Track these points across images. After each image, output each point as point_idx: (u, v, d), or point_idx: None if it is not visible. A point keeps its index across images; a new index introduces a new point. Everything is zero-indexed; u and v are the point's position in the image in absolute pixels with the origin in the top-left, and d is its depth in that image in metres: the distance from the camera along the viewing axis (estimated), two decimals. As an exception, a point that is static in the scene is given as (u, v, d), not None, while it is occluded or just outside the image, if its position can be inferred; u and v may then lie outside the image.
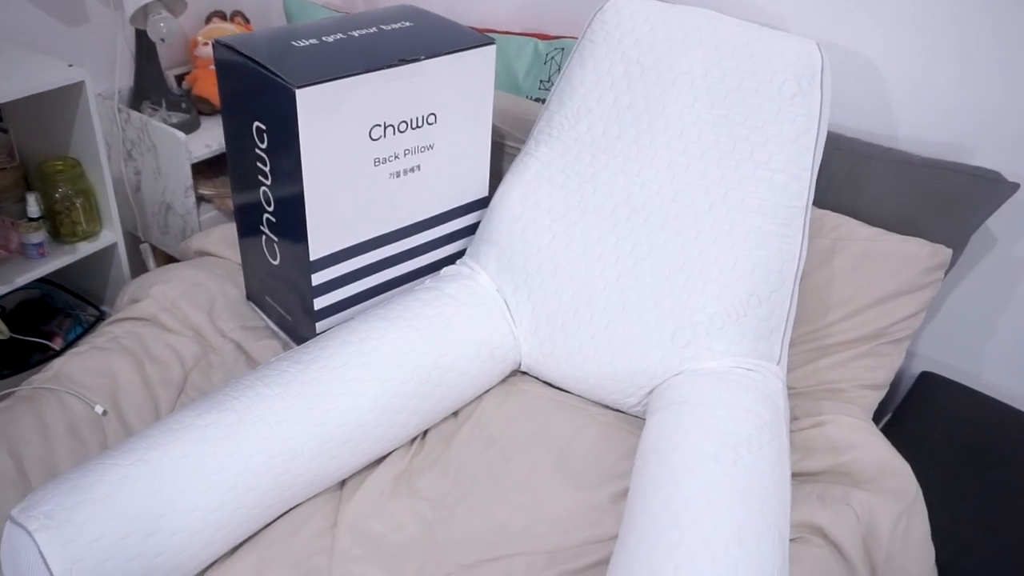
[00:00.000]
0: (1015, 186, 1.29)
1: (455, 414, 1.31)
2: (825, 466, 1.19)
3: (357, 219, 1.26)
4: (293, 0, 1.83)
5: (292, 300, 1.33)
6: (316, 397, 1.14)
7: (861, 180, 1.37)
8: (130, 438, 1.06)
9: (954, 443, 1.37)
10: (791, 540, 1.13)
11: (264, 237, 1.32)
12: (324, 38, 1.22)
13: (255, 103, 1.19)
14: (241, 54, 1.17)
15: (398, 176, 1.28)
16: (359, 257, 1.30)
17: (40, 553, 0.91)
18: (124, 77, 1.81)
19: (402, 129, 1.24)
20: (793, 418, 1.28)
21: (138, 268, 1.87)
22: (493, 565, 1.08)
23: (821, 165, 1.40)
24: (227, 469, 1.04)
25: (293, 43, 1.20)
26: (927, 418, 1.43)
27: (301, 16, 1.81)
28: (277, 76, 1.11)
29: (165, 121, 1.75)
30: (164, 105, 1.79)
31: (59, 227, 1.54)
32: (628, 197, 1.29)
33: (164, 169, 1.72)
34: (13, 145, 1.59)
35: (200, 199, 1.77)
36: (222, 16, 1.93)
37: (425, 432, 1.28)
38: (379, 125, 1.21)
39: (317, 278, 1.26)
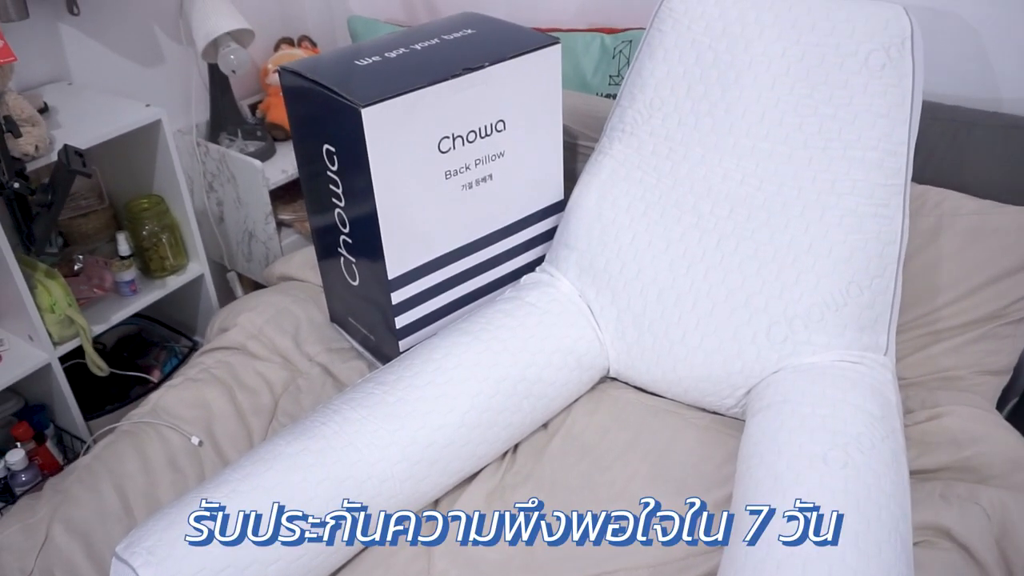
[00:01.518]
0: None
1: (545, 426, 1.28)
2: (946, 462, 1.11)
3: (432, 234, 1.24)
4: (357, 19, 1.83)
5: (374, 320, 1.32)
6: (403, 417, 1.12)
7: (965, 150, 1.28)
8: (223, 470, 1.06)
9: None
10: (915, 544, 1.05)
11: (342, 259, 1.32)
12: (387, 54, 1.21)
13: (324, 126, 1.18)
14: (306, 78, 1.16)
15: (470, 187, 1.25)
16: (437, 272, 1.28)
17: (144, 588, 0.93)
18: (200, 111, 1.85)
19: (471, 139, 1.22)
20: (907, 411, 1.19)
21: (226, 296, 1.91)
22: (595, 582, 1.04)
23: (919, 138, 1.30)
24: (319, 496, 1.03)
25: (356, 62, 1.19)
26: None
27: (365, 34, 1.82)
28: (342, 97, 1.10)
29: (242, 151, 1.78)
30: (240, 135, 1.82)
31: (149, 263, 1.58)
32: (710, 190, 1.24)
33: (244, 198, 1.75)
34: (102, 187, 1.65)
35: (280, 224, 1.79)
36: (290, 42, 1.95)
37: (516, 446, 1.25)
38: (447, 137, 1.19)
39: (397, 296, 1.25)
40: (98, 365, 1.44)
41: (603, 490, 1.15)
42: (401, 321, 1.28)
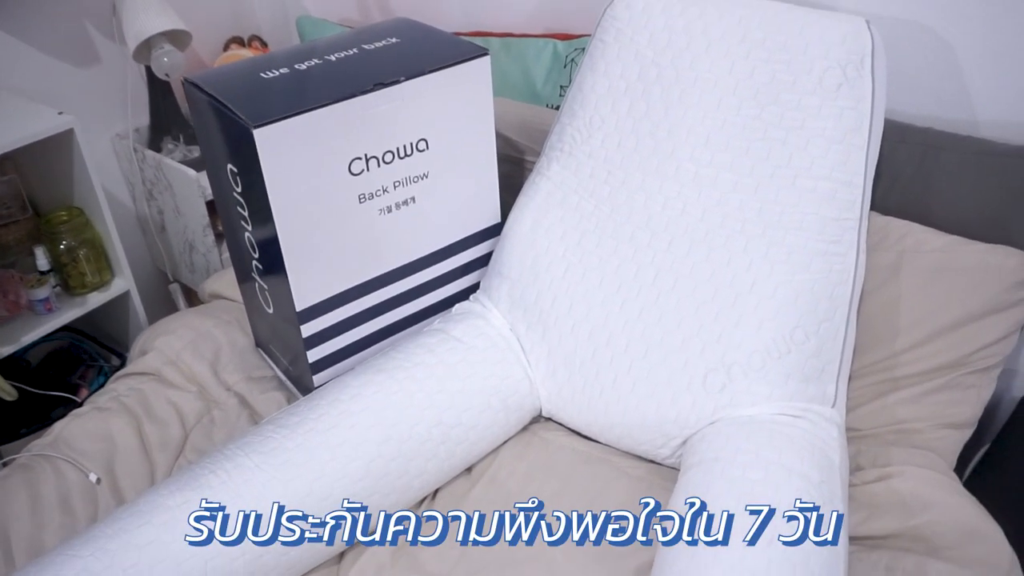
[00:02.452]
0: (1126, 176, 1.06)
1: (469, 470, 1.18)
2: (894, 529, 1.00)
3: (346, 262, 1.14)
4: (306, 19, 1.73)
5: (291, 350, 1.22)
6: (300, 466, 1.03)
7: (932, 177, 1.16)
8: (96, 525, 0.97)
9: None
10: (853, 623, 0.95)
11: (257, 284, 1.23)
12: (297, 66, 1.11)
13: (226, 144, 1.09)
14: (205, 92, 1.07)
15: (390, 211, 1.15)
16: (354, 302, 1.18)
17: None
18: (142, 115, 1.75)
19: (388, 160, 1.12)
20: (856, 468, 1.09)
21: (168, 309, 1.82)
22: (497, 658, 0.95)
23: (884, 162, 1.19)
24: (198, 555, 0.94)
25: (263, 75, 1.09)
26: (1031, 452, 1.21)
27: (314, 35, 1.72)
28: (236, 115, 1.00)
29: (185, 156, 1.69)
30: (183, 140, 1.73)
31: (68, 279, 1.49)
32: (649, 218, 1.13)
33: (182, 207, 1.66)
34: (24, 197, 1.55)
35: (220, 236, 1.70)
36: (240, 42, 1.86)
37: (435, 492, 1.16)
38: (359, 158, 1.09)
39: (307, 329, 1.15)
40: (4, 390, 1.36)
41: (522, 549, 1.05)
42: (314, 355, 1.18)
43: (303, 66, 1.11)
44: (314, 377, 1.20)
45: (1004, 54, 1.16)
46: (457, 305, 1.28)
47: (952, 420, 1.10)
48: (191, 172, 1.59)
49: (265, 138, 0.99)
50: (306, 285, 1.12)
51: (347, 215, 1.11)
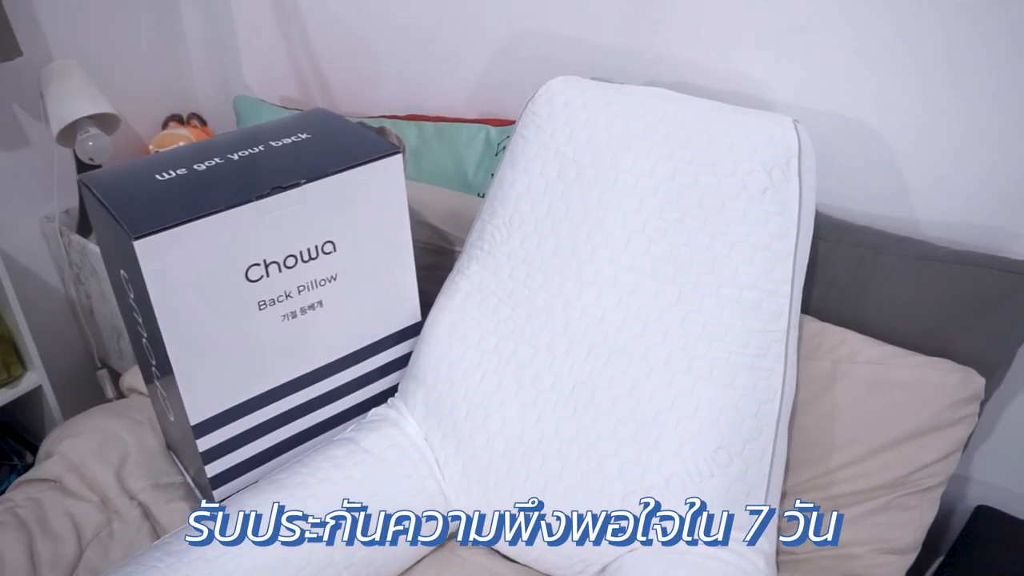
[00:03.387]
0: (1067, 286, 1.00)
1: (378, 594, 1.09)
2: (826, 675, 0.92)
3: (247, 371, 1.07)
4: (243, 100, 1.69)
5: (193, 462, 1.15)
6: (182, 602, 0.95)
7: (870, 281, 1.10)
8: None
9: (1020, 607, 1.07)
10: None
11: (158, 390, 1.15)
12: (196, 166, 1.05)
13: (116, 249, 1.02)
14: (93, 193, 1.01)
15: (294, 316, 1.08)
16: (259, 411, 1.11)
17: None
18: (71, 199, 1.70)
19: (290, 264, 1.05)
20: (789, 600, 1.00)
21: (95, 399, 1.74)
22: None
23: (821, 263, 1.13)
24: None
25: (157, 176, 1.03)
26: (984, 567, 1.12)
27: (249, 116, 1.67)
28: (119, 223, 0.94)
29: (115, 239, 1.63)
30: (115, 222, 1.67)
31: (-25, 374, 1.42)
32: (567, 326, 1.06)
33: (108, 293, 1.60)
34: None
35: (147, 324, 1.63)
36: (179, 120, 1.81)
37: (341, 618, 1.07)
38: (258, 264, 1.02)
39: (204, 443, 1.08)
40: None
41: None
42: (213, 469, 1.10)
43: (201, 166, 1.05)
44: (215, 492, 1.12)
45: (943, 152, 1.11)
46: (373, 410, 1.20)
47: (893, 545, 1.02)
48: (115, 259, 1.53)
49: (147, 249, 0.93)
50: (201, 397, 1.05)
51: (245, 323, 1.04)
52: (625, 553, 0.98)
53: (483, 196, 1.42)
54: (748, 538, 0.96)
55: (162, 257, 0.94)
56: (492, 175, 1.41)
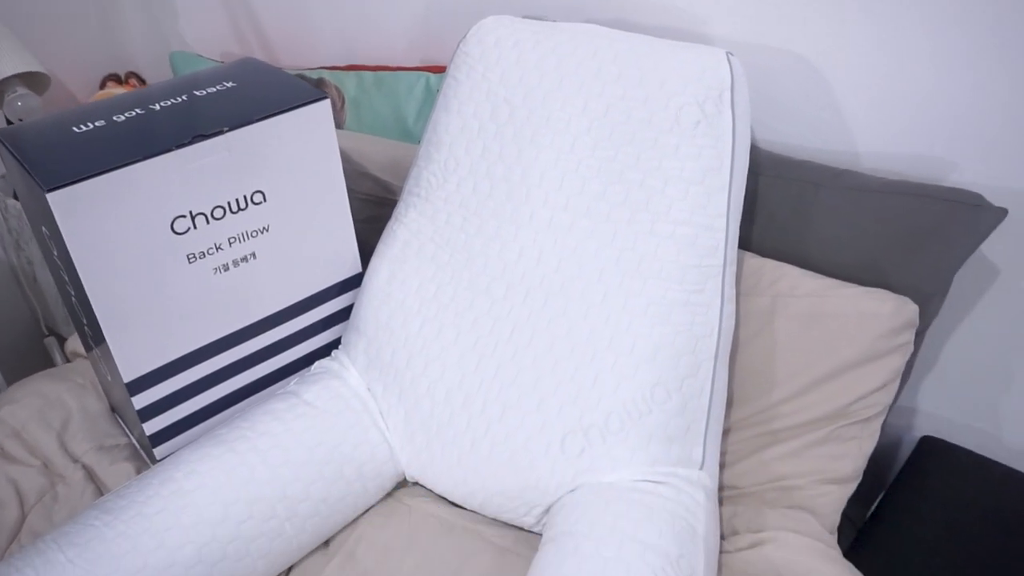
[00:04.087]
0: (1002, 212, 0.99)
1: (327, 543, 1.09)
2: (766, 602, 0.93)
3: (180, 327, 1.05)
4: (179, 55, 1.64)
5: (133, 421, 1.13)
6: (120, 558, 0.93)
7: (809, 215, 1.10)
8: None
9: (960, 527, 1.08)
10: None
11: (95, 350, 1.13)
12: (115, 117, 1.02)
13: (35, 206, 0.99)
14: (7, 148, 0.97)
15: (226, 269, 1.06)
16: (195, 368, 1.09)
17: None
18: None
19: (218, 215, 1.03)
20: (732, 532, 1.01)
21: (46, 366, 1.71)
22: None
23: (761, 199, 1.12)
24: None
25: (75, 128, 1.00)
26: (927, 503, 1.13)
27: (186, 71, 1.62)
28: (33, 176, 0.91)
29: (55, 203, 1.59)
30: (54, 186, 1.63)
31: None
32: (504, 269, 1.05)
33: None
34: None
35: (90, 288, 1.59)
36: (117, 79, 1.76)
37: (290, 570, 1.07)
38: (184, 216, 1.00)
39: (139, 401, 1.06)
40: None
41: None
42: (152, 427, 1.09)
43: (121, 118, 1.02)
44: (155, 450, 1.11)
45: (880, 84, 1.10)
46: (316, 363, 1.19)
47: (833, 475, 1.03)
48: (52, 222, 1.49)
49: (61, 201, 0.90)
50: (132, 354, 1.03)
51: (175, 277, 1.02)
52: (566, 493, 0.98)
53: (424, 144, 1.40)
54: (688, 474, 0.96)
55: (79, 210, 0.91)
56: (432, 122, 1.38)
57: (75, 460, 1.22)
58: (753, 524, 1.00)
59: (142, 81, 1.76)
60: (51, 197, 0.89)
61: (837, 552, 0.96)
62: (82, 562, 0.92)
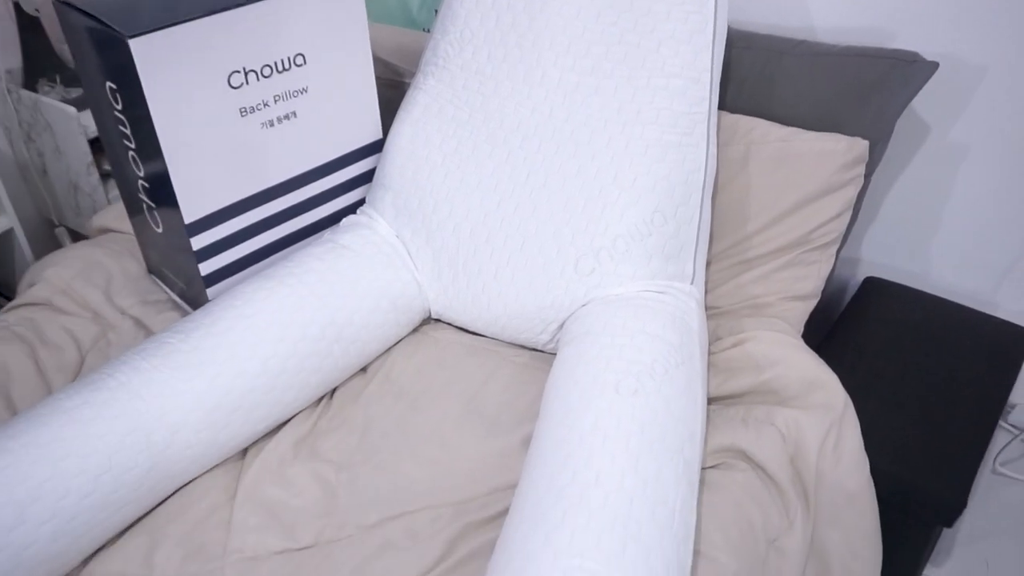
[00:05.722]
0: (934, 65, 1.19)
1: (364, 370, 1.25)
2: (748, 386, 1.12)
3: (232, 175, 1.18)
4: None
5: (184, 268, 1.26)
6: (198, 366, 1.07)
7: (775, 78, 1.28)
8: (-6, 430, 1.00)
9: (897, 347, 1.30)
10: (713, 467, 1.06)
11: (145, 205, 1.25)
12: (169, -17, 1.13)
13: (102, 61, 1.10)
14: (77, 8, 1.08)
15: (272, 125, 1.19)
16: (243, 216, 1.23)
17: None
18: (14, 56, 1.72)
19: (267, 74, 1.16)
20: (715, 339, 1.21)
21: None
22: (396, 523, 1.02)
23: (733, 67, 1.30)
24: (99, 451, 0.98)
25: (133, -8, 1.11)
26: (870, 324, 1.36)
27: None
28: (110, 27, 1.03)
29: (63, 98, 1.67)
30: (60, 81, 1.71)
31: (-52, 218, 1.48)
32: (519, 123, 1.21)
33: (63, 147, 1.65)
34: None
35: (105, 175, 1.69)
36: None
37: (332, 391, 1.22)
38: (238, 71, 1.13)
39: (197, 242, 1.19)
40: None
41: (415, 431, 1.13)
42: (206, 268, 1.22)
43: (176, -17, 1.13)
44: (208, 290, 1.24)
45: (833, -36, 1.28)
46: (345, 218, 1.33)
47: (797, 293, 1.23)
48: (71, 110, 1.58)
49: (141, 49, 1.02)
50: (193, 198, 1.15)
51: (229, 128, 1.15)
52: (579, 307, 1.16)
53: (428, 31, 1.54)
54: (682, 287, 1.15)
55: (155, 57, 1.03)
56: (435, 11, 1.52)
57: (123, 312, 1.34)
58: (734, 330, 1.20)
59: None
60: (132, 43, 1.01)
61: (802, 343, 1.17)
62: (165, 369, 1.06)
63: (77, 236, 1.86)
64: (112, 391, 1.03)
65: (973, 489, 1.44)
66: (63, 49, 1.82)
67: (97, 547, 1.00)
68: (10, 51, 1.72)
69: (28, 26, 1.67)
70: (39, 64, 1.70)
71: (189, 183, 1.14)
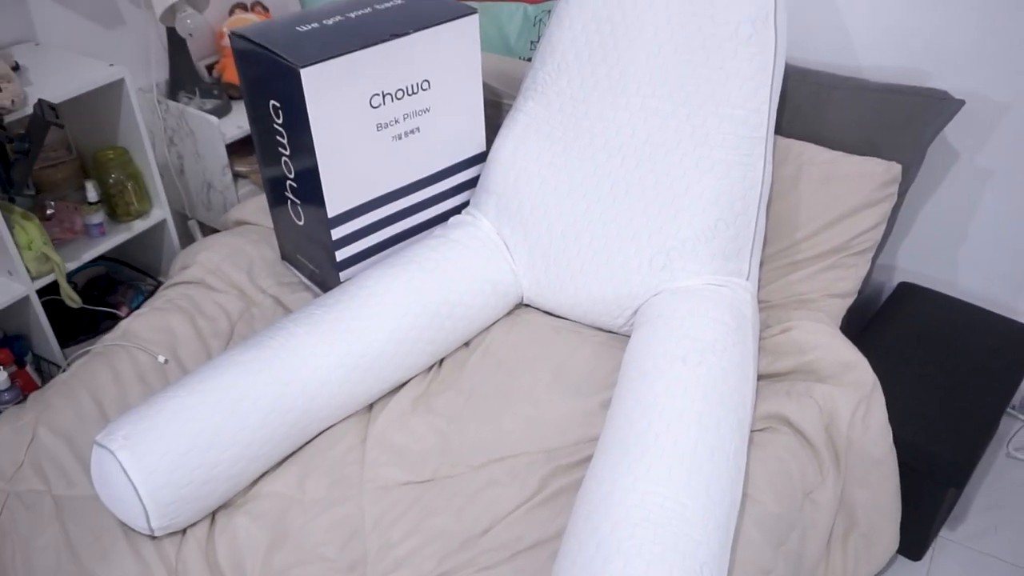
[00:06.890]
0: (960, 103, 1.40)
1: (467, 344, 1.49)
2: (792, 366, 1.34)
3: (367, 178, 1.43)
4: (305, -13, 2.00)
5: (318, 255, 1.51)
6: (340, 332, 1.32)
7: (824, 108, 1.50)
8: (185, 376, 1.26)
9: (923, 341, 1.50)
10: (760, 430, 1.28)
11: (289, 202, 1.51)
12: (325, 22, 1.39)
13: (269, 84, 1.36)
14: (253, 42, 1.34)
15: (400, 138, 1.44)
16: (372, 212, 1.48)
17: (122, 467, 1.12)
18: (160, 71, 2.01)
19: (399, 96, 1.41)
20: (765, 327, 1.42)
21: (188, 242, 2.08)
22: (499, 464, 1.26)
23: (789, 97, 1.52)
24: (267, 395, 1.23)
25: (298, 28, 1.37)
26: (901, 321, 1.56)
27: (314, 1, 1.98)
28: (284, 59, 1.28)
29: (200, 108, 1.94)
30: (198, 94, 1.98)
31: (115, 208, 1.75)
32: (606, 142, 1.44)
33: (202, 151, 1.92)
34: (70, 140, 1.81)
35: (236, 175, 1.96)
36: (243, 7, 2.11)
37: (441, 361, 1.46)
38: (378, 94, 1.38)
39: (336, 232, 1.44)
40: (71, 297, 1.62)
41: (512, 394, 1.36)
42: (341, 255, 1.47)
43: (330, 22, 1.39)
44: (340, 274, 1.49)
45: (880, 11, 1.50)
46: (452, 218, 1.58)
47: (837, 291, 1.45)
48: (213, 119, 1.85)
49: (309, 76, 1.27)
50: (336, 196, 1.41)
51: (368, 140, 1.40)
52: (652, 296, 1.39)
53: (524, 59, 1.78)
54: (739, 282, 1.37)
55: (318, 83, 1.29)
56: (531, 42, 1.77)
57: (263, 291, 1.60)
58: (782, 320, 1.42)
59: (265, 9, 2.12)
60: (303, 72, 1.27)
61: (839, 332, 1.38)
62: (315, 334, 1.31)
63: (207, 229, 2.13)
64: (274, 350, 1.28)
65: (987, 469, 1.64)
66: (201, 66, 2.10)
67: (263, 471, 1.25)
68: (160, 67, 2.00)
69: (175, 46, 1.94)
70: (180, 78, 1.98)
71: (334, 185, 1.39)
